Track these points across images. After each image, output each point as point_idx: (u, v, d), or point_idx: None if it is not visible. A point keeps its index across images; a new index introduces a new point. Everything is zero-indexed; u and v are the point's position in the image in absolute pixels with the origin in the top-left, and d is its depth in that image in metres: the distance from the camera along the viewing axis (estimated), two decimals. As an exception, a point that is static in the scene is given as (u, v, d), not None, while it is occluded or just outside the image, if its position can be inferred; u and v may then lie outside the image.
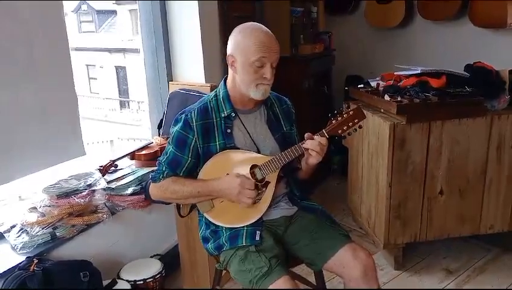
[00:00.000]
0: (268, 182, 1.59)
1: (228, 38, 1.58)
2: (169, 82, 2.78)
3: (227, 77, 1.66)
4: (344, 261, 1.53)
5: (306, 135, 1.56)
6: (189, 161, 1.61)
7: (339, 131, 1.54)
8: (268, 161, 1.57)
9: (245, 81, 1.56)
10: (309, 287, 1.82)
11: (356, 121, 1.54)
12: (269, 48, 1.51)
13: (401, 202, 2.37)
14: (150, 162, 2.35)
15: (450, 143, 2.31)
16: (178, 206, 1.88)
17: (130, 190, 2.16)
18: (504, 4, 2.91)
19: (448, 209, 2.41)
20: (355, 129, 1.56)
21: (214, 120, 1.61)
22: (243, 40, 1.52)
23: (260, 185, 1.58)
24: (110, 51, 10.76)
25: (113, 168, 2.32)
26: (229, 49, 1.57)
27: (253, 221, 1.59)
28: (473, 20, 3.08)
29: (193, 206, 1.85)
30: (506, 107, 2.37)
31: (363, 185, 2.71)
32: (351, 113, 1.54)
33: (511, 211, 2.45)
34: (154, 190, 1.65)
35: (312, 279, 1.77)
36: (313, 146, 1.52)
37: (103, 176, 2.21)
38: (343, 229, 1.65)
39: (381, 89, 2.54)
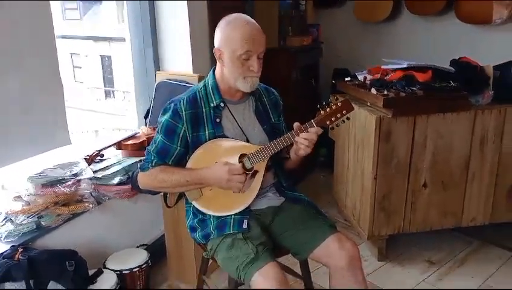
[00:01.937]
0: (256, 171, 1.61)
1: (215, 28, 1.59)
2: (157, 72, 2.77)
3: (215, 67, 1.67)
4: (330, 250, 1.56)
5: (295, 124, 1.57)
6: (178, 150, 1.61)
7: (327, 122, 1.56)
8: (257, 150, 1.59)
9: (233, 73, 1.57)
10: (294, 278, 1.85)
11: (344, 112, 1.56)
12: (255, 41, 1.52)
13: (385, 195, 2.41)
14: (137, 152, 2.34)
15: (434, 137, 2.35)
16: (165, 197, 1.89)
17: (116, 180, 2.16)
18: (489, 1, 2.96)
19: (432, 202, 2.46)
20: (343, 121, 1.58)
21: (203, 109, 1.62)
22: (229, 33, 1.53)
23: (249, 175, 1.59)
24: (94, 39, 10.60)
25: (99, 157, 2.31)
26: (216, 42, 1.58)
27: (241, 209, 1.61)
28: (459, 15, 3.13)
29: (180, 196, 1.86)
30: (490, 103, 2.42)
31: (348, 177, 2.74)
32: (339, 104, 1.56)
33: (492, 205, 2.51)
34: (142, 178, 1.65)
35: (298, 270, 1.80)
36: (308, 139, 1.54)
37: (89, 165, 2.20)
38: (330, 220, 1.68)
39: (368, 82, 2.57)
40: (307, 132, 1.55)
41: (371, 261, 2.53)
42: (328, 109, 1.57)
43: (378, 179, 2.37)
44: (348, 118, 1.58)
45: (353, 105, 1.61)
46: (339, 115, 1.56)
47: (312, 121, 1.57)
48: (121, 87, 10.16)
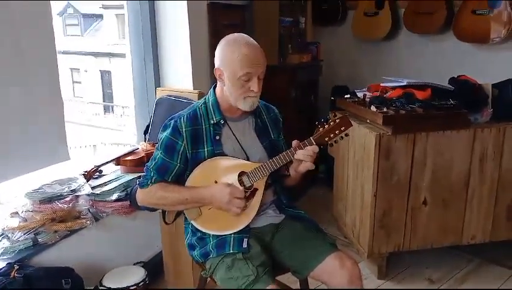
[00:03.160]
0: (256, 189, 1.60)
1: (216, 47, 1.60)
2: (157, 88, 2.78)
3: (216, 84, 1.68)
4: (331, 269, 1.54)
5: (294, 142, 1.58)
6: (177, 167, 1.61)
7: (326, 139, 1.56)
8: (257, 167, 1.58)
9: (233, 94, 1.58)
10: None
11: (343, 128, 1.56)
12: (255, 62, 1.53)
13: (385, 212, 2.40)
14: (136, 168, 2.33)
15: (434, 154, 2.35)
16: (163, 213, 1.87)
17: (114, 196, 2.14)
18: (487, 20, 2.99)
19: (432, 220, 2.45)
20: (342, 137, 1.58)
21: (203, 127, 1.62)
22: (229, 54, 1.54)
23: (248, 192, 1.59)
24: (95, 55, 10.67)
25: (97, 173, 2.30)
26: (217, 62, 1.59)
27: (241, 228, 1.60)
28: (457, 34, 3.16)
29: (178, 214, 1.84)
30: (489, 121, 2.43)
31: (348, 194, 2.74)
32: (337, 121, 1.57)
33: (492, 223, 2.50)
34: (141, 195, 1.65)
35: (297, 287, 1.77)
36: (305, 155, 1.54)
37: (87, 181, 2.18)
38: (330, 238, 1.67)
39: (367, 99, 2.58)
40: (306, 149, 1.55)
41: (371, 279, 2.50)
42: (326, 126, 1.57)
43: (378, 196, 2.36)
44: (346, 135, 1.58)
45: (352, 122, 1.61)
46: (337, 132, 1.56)
47: (311, 138, 1.57)
48: (120, 103, 10.20)
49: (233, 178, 1.59)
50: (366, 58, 3.90)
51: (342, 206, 2.86)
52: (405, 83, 2.52)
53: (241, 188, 1.58)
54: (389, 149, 2.31)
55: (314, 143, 1.56)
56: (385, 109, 2.36)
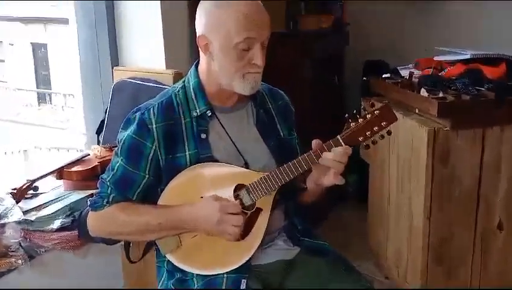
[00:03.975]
0: (259, 210, 1.60)
1: (198, 6, 1.60)
2: (114, 68, 2.78)
3: (199, 61, 1.68)
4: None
5: (314, 142, 1.57)
6: (146, 179, 1.61)
7: (360, 138, 1.56)
8: (260, 179, 1.58)
9: (226, 70, 1.58)
10: None
11: (384, 124, 1.57)
12: (258, 23, 1.54)
13: (444, 240, 2.40)
14: (86, 183, 2.32)
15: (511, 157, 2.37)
16: (127, 247, 1.88)
17: (56, 224, 2.14)
18: None
19: (510, 250, 2.46)
20: (382, 136, 1.58)
21: (182, 121, 1.62)
22: (220, 14, 1.54)
23: (248, 214, 1.58)
24: (24, 21, 10.67)
25: (31, 191, 2.30)
26: (200, 27, 1.59)
27: (238, 265, 1.60)
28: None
29: (148, 247, 1.84)
30: None
31: (390, 216, 2.74)
32: (376, 113, 1.57)
33: None
34: (94, 221, 1.65)
35: None
36: (331, 161, 1.54)
37: (17, 203, 2.18)
38: (365, 279, 1.67)
39: (415, 80, 2.58)
40: (333, 151, 1.54)
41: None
42: (360, 120, 1.57)
43: (433, 218, 2.37)
44: (388, 132, 1.59)
45: (397, 113, 1.62)
46: (376, 128, 1.56)
47: (338, 136, 1.57)
48: (61, 89, 10.18)
49: (227, 193, 1.59)
50: (412, 20, 3.90)
51: (381, 232, 2.86)
52: (469, 56, 2.52)
53: (238, 203, 1.58)
54: (447, 151, 2.31)
55: (344, 144, 1.55)
56: (441, 94, 2.36)
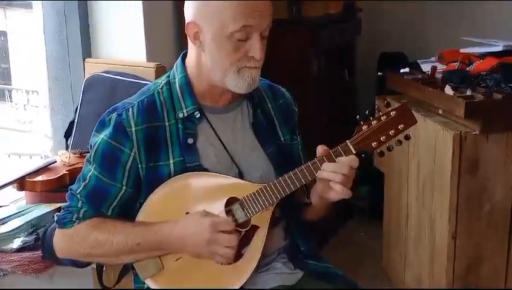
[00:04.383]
0: (256, 227, 1.61)
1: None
2: (86, 60, 2.79)
3: (187, 52, 1.69)
4: None
5: (319, 149, 1.58)
6: (123, 191, 1.62)
7: (374, 143, 1.57)
8: (256, 191, 1.59)
9: (219, 63, 1.59)
10: None
11: (401, 127, 1.58)
12: (258, 9, 1.54)
13: (472, 263, 2.41)
14: (52, 195, 2.33)
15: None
16: (99, 270, 1.88)
17: (17, 243, 2.14)
18: None
19: (550, 277, 2.46)
20: (399, 141, 1.59)
21: (166, 123, 1.63)
22: None
23: (242, 233, 1.59)
24: (-21, 4, 10.70)
25: (-13, 204, 2.30)
26: (190, 12, 1.60)
27: (230, 292, 1.60)
28: None
29: (125, 270, 1.85)
30: None
31: (408, 235, 2.75)
32: (392, 114, 1.58)
33: None
34: (62, 240, 1.65)
35: None
36: (334, 173, 1.54)
37: (-29, 217, 2.19)
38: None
39: (439, 76, 2.60)
40: (339, 161, 1.55)
41: None
42: (374, 122, 1.58)
43: (459, 238, 2.38)
44: (406, 137, 1.59)
45: (415, 114, 1.62)
46: (392, 132, 1.57)
47: (348, 141, 1.58)
48: (24, 85, 10.15)
49: (216, 209, 1.59)
50: (434, 7, 3.92)
51: (398, 254, 2.87)
52: (501, 48, 2.54)
53: (231, 219, 1.58)
54: (476, 158, 2.32)
55: (354, 151, 1.56)
56: (469, 92, 2.37)
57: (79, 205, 1.62)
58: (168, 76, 1.70)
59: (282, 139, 1.75)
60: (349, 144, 1.57)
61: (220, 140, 1.66)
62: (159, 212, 1.62)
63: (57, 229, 1.66)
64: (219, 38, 1.55)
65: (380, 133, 1.57)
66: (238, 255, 1.59)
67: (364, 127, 1.58)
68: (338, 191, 1.55)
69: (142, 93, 1.68)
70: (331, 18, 3.50)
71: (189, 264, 1.61)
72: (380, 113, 1.59)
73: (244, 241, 1.60)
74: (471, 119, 2.31)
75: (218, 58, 1.58)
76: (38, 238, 2.16)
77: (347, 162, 1.54)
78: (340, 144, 1.58)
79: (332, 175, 1.54)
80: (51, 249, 1.72)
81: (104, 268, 1.88)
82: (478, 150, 2.32)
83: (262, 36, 1.57)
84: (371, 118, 1.58)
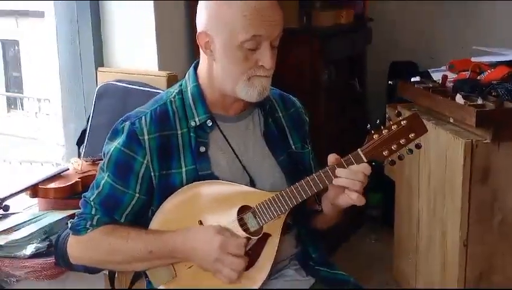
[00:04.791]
0: (268, 235, 1.61)
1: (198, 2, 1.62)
2: (99, 68, 2.81)
3: (199, 62, 1.70)
4: None
5: (330, 157, 1.59)
6: (136, 199, 1.62)
7: (385, 152, 1.57)
8: (269, 199, 1.59)
9: (230, 72, 1.60)
10: None
11: (412, 136, 1.58)
12: (267, 19, 1.55)
13: (484, 273, 2.41)
14: (65, 202, 2.35)
15: None
16: (112, 276, 1.89)
17: (30, 249, 2.15)
18: None
19: None
20: (410, 150, 1.59)
21: (179, 132, 1.64)
22: (225, 8, 1.56)
23: (254, 241, 1.59)
24: (-8, 13, 10.76)
25: (0, 211, 2.31)
26: (201, 22, 1.61)
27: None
28: None
29: (137, 276, 1.85)
30: None
31: (419, 244, 2.75)
32: (403, 123, 1.58)
33: None
34: (76, 247, 1.66)
35: None
36: (349, 180, 1.54)
37: (-16, 224, 2.20)
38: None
39: (450, 84, 2.60)
40: (350, 169, 1.55)
41: None
42: (384, 131, 1.58)
43: (471, 246, 2.37)
44: (417, 146, 1.60)
45: (426, 123, 1.62)
46: (402, 141, 1.58)
47: (359, 150, 1.58)
48: (35, 94, 10.18)
49: (229, 217, 1.60)
50: (445, 16, 3.91)
51: (409, 262, 2.87)
52: (512, 57, 2.54)
53: (243, 234, 1.59)
54: (487, 166, 2.32)
55: (365, 160, 1.57)
56: (480, 101, 2.37)
57: (93, 212, 1.63)
58: (181, 85, 1.71)
59: (293, 147, 1.76)
60: (360, 152, 1.57)
61: (232, 148, 1.66)
62: (172, 220, 1.62)
63: (70, 235, 1.66)
64: (229, 48, 1.56)
65: (391, 142, 1.58)
66: (250, 263, 1.59)
67: (375, 136, 1.58)
68: (353, 199, 1.55)
69: (154, 102, 1.69)
70: (342, 28, 3.51)
71: (201, 271, 1.61)
72: (391, 122, 1.59)
73: (256, 249, 1.60)
74: (483, 127, 2.31)
75: (228, 68, 1.59)
76: (51, 244, 2.17)
77: (361, 169, 1.55)
78: (351, 153, 1.58)
79: (350, 182, 1.54)
80: (63, 255, 1.73)
81: (116, 274, 1.89)
82: (489, 158, 2.32)
83: (272, 45, 1.58)
84: (382, 127, 1.59)
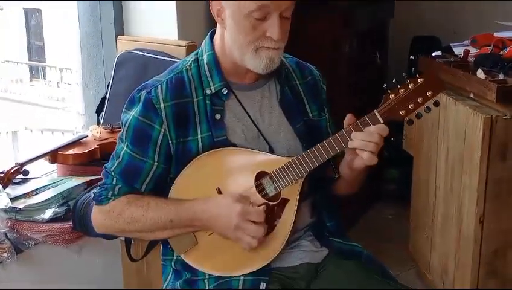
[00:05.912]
0: (286, 200, 1.61)
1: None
2: (118, 37, 2.81)
3: (214, 31, 1.69)
4: None
5: (347, 118, 1.57)
6: (155, 168, 1.63)
7: (402, 112, 1.56)
8: (285, 165, 1.59)
9: (238, 42, 1.59)
10: None
11: (430, 94, 1.56)
12: None
13: (499, 249, 2.40)
14: (83, 168, 2.37)
15: None
16: (128, 243, 1.90)
17: (48, 213, 2.17)
18: None
19: None
20: (429, 108, 1.58)
21: (194, 100, 1.64)
22: None
23: (273, 206, 1.59)
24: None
25: (20, 176, 2.33)
26: None
27: (261, 267, 1.61)
28: None
29: (153, 243, 1.87)
30: None
31: (436, 219, 2.73)
32: (420, 81, 1.56)
33: None
34: (99, 217, 1.67)
35: None
36: (365, 142, 1.53)
37: (4, 188, 2.22)
38: (404, 288, 1.67)
39: (471, 59, 2.57)
40: (366, 131, 1.54)
41: None
42: (401, 91, 1.56)
43: (486, 223, 2.36)
44: (436, 103, 1.58)
45: (447, 98, 1.60)
46: (420, 99, 1.56)
47: (375, 111, 1.57)
48: (57, 63, 10.23)
49: (247, 183, 1.60)
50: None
51: (424, 238, 2.86)
52: (536, 32, 2.50)
53: (262, 199, 1.59)
54: (506, 143, 2.30)
55: (382, 121, 1.55)
56: (501, 76, 2.35)
57: (114, 182, 1.64)
58: (197, 54, 1.71)
59: (310, 115, 1.75)
60: (376, 113, 1.56)
61: (249, 115, 1.66)
62: (190, 188, 1.63)
63: (94, 206, 1.68)
64: (237, 17, 1.55)
65: (408, 101, 1.56)
66: (270, 229, 1.60)
67: (392, 96, 1.57)
68: (365, 159, 1.54)
69: (170, 70, 1.69)
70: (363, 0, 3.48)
71: (222, 239, 1.62)
72: (408, 82, 1.57)
73: (275, 214, 1.60)
74: (503, 103, 2.28)
75: (236, 37, 1.58)
76: (69, 209, 2.20)
77: (376, 130, 1.54)
78: (367, 114, 1.57)
79: (363, 144, 1.53)
80: (81, 220, 1.75)
81: (133, 241, 1.90)
82: (509, 134, 2.29)
83: (282, 16, 1.56)
84: (398, 86, 1.57)
